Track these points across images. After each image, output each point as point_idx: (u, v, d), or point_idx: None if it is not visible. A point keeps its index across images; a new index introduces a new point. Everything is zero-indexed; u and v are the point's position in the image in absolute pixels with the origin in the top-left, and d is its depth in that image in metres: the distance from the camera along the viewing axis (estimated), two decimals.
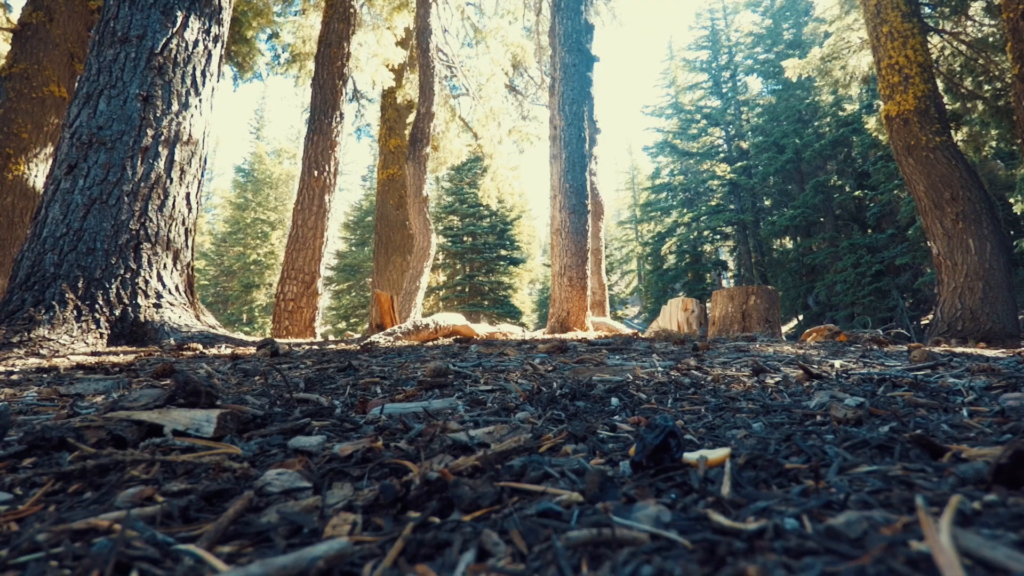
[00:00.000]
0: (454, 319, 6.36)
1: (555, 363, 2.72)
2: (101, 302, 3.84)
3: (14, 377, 2.35)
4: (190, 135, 4.57)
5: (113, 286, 3.93)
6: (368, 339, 5.05)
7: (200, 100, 4.68)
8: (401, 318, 9.08)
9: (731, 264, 30.93)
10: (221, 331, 4.60)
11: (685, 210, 30.18)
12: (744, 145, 30.01)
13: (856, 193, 22.40)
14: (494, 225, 29.54)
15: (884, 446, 1.09)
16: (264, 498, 0.94)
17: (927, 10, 9.66)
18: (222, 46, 5.02)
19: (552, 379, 2.21)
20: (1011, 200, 13.03)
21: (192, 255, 4.67)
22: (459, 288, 28.76)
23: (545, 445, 1.28)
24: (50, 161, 6.89)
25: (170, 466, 1.06)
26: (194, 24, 4.66)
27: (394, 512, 0.88)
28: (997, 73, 9.39)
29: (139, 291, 4.06)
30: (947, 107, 9.37)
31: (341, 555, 0.65)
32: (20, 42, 8.99)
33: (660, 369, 2.44)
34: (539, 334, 7.94)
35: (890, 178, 19.01)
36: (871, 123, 12.84)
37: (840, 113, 23.05)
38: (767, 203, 29.09)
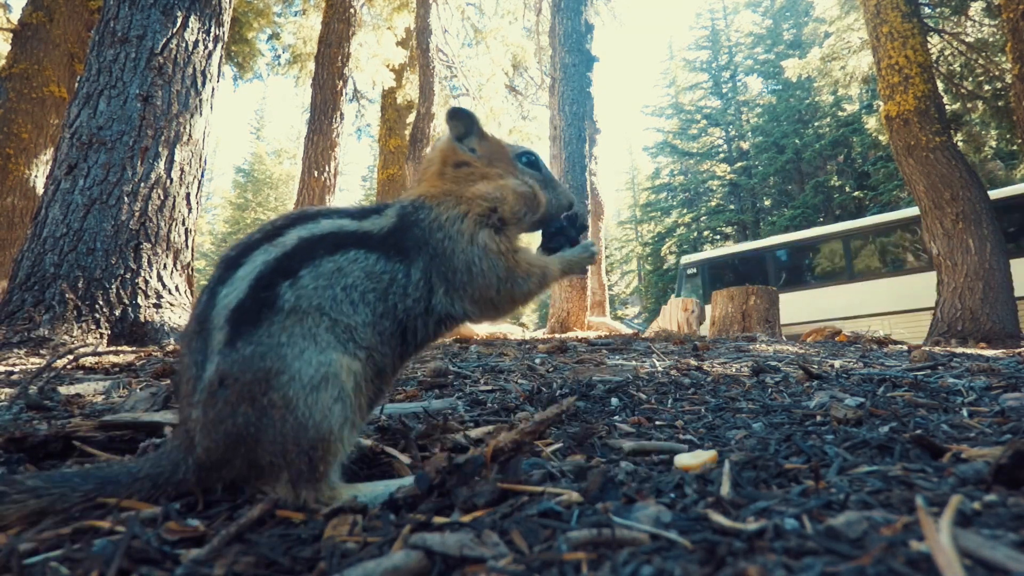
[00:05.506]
0: None
1: (555, 363, 2.72)
2: (101, 302, 3.84)
3: (14, 377, 2.35)
4: (190, 135, 4.57)
5: (113, 286, 3.93)
6: None
7: (200, 100, 4.68)
8: None
9: None
10: None
11: (685, 210, 30.17)
12: (744, 145, 30.00)
13: (856, 193, 22.40)
14: None
15: (884, 446, 1.09)
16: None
17: (927, 10, 9.65)
18: (222, 46, 5.02)
19: (552, 379, 2.21)
20: None
21: (192, 255, 4.67)
22: None
23: (545, 446, 1.28)
24: (50, 162, 6.88)
25: None
26: (194, 24, 4.65)
27: (394, 512, 0.88)
28: (997, 73, 9.38)
29: (139, 291, 4.06)
30: (947, 107, 9.36)
31: None
32: (20, 42, 8.99)
33: (660, 369, 2.44)
34: (539, 334, 7.94)
35: (890, 178, 19.00)
36: (871, 123, 12.85)
37: (840, 113, 23.05)
38: (767, 203, 29.09)
